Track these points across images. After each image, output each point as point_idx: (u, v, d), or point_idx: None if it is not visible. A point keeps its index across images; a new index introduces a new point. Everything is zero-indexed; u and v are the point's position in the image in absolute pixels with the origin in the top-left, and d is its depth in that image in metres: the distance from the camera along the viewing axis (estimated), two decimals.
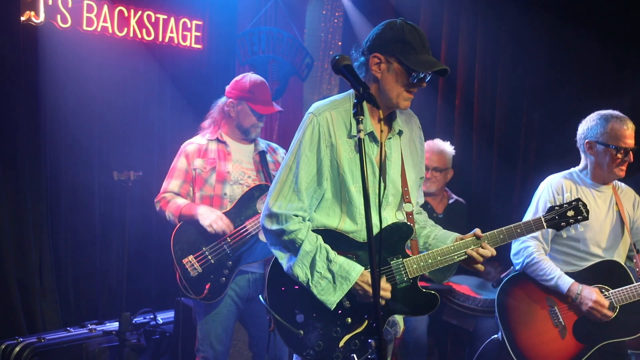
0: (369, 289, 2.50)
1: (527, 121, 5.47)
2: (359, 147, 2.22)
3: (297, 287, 2.60)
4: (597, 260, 3.51)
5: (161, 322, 4.66)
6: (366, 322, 2.59)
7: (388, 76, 2.54)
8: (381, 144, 2.59)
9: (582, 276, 3.47)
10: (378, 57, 2.55)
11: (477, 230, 2.64)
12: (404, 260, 2.60)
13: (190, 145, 3.81)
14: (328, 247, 2.56)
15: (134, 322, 4.43)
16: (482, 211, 5.48)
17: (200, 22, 5.56)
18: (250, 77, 3.81)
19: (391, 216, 2.65)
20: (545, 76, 5.41)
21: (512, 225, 2.68)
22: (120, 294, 4.38)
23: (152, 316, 4.66)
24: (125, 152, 5.23)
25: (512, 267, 3.75)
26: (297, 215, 2.55)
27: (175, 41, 5.42)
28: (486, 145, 5.63)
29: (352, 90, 2.62)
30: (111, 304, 5.16)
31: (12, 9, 4.46)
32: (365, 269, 2.55)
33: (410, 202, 2.68)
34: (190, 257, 3.61)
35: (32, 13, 4.58)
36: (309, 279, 2.53)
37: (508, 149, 5.52)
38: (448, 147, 4.75)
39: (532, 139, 5.41)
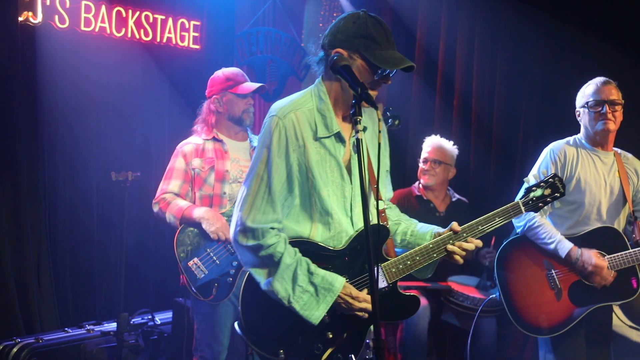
0: (352, 301, 2.40)
1: (525, 121, 5.47)
2: (357, 147, 2.18)
3: (274, 305, 2.41)
4: (597, 225, 3.59)
5: (159, 322, 4.66)
6: (346, 334, 2.48)
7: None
8: (357, 141, 2.35)
9: (580, 241, 3.55)
10: (340, 52, 2.39)
11: (454, 224, 2.54)
12: (381, 265, 2.49)
13: (187, 145, 3.81)
14: (308, 259, 2.41)
15: (131, 322, 4.42)
16: (480, 210, 5.46)
17: (198, 23, 5.56)
18: (223, 70, 3.88)
19: (360, 218, 2.51)
20: (544, 76, 5.40)
21: (489, 214, 2.61)
22: (118, 295, 4.38)
23: (150, 317, 4.66)
24: (123, 152, 5.23)
25: (513, 230, 3.82)
26: (273, 228, 2.40)
27: (173, 41, 5.42)
28: (484, 145, 5.63)
29: (312, 87, 2.51)
30: (109, 304, 5.16)
31: (10, 10, 4.46)
32: (345, 278, 2.44)
33: (381, 199, 2.55)
34: (196, 260, 3.59)
35: (30, 13, 4.57)
36: (289, 295, 2.37)
37: (506, 149, 5.52)
38: (449, 145, 4.79)
39: (530, 138, 5.40)
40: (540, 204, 2.71)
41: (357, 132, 2.18)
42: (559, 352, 3.57)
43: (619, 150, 3.76)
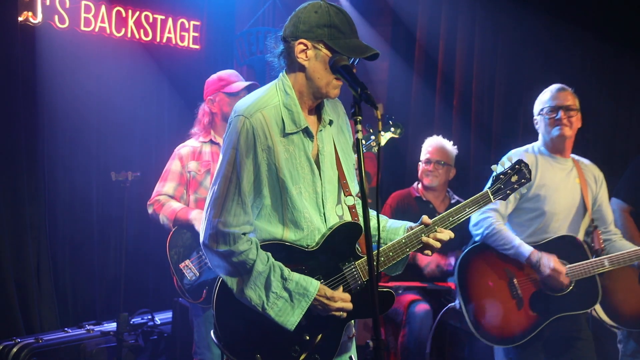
0: (328, 303, 2.35)
1: (525, 121, 5.48)
2: (357, 148, 2.14)
3: (250, 312, 2.35)
4: (557, 234, 3.57)
5: (159, 322, 4.66)
6: (321, 335, 2.43)
7: (316, 64, 2.33)
8: (317, 138, 2.36)
9: (540, 250, 3.51)
10: (304, 43, 2.32)
11: (424, 218, 2.48)
12: (355, 262, 2.43)
13: (184, 148, 3.82)
14: (281, 264, 2.35)
15: (131, 322, 4.43)
16: None
17: (198, 23, 5.56)
18: (217, 72, 3.91)
19: (332, 214, 2.46)
20: (544, 76, 5.40)
21: (459, 205, 2.58)
22: (118, 295, 4.38)
23: (150, 317, 4.66)
24: (123, 152, 5.23)
25: (471, 239, 3.79)
26: (244, 234, 2.33)
27: (173, 41, 5.42)
28: (484, 145, 5.63)
29: (276, 81, 2.46)
30: (109, 304, 5.16)
31: (10, 9, 4.46)
32: (317, 279, 2.39)
33: (350, 194, 2.49)
34: (187, 262, 3.60)
35: (30, 13, 4.57)
36: (263, 302, 2.31)
37: (506, 149, 5.51)
38: (450, 145, 4.79)
39: (530, 139, 5.41)
40: (508, 192, 2.66)
41: (357, 132, 2.14)
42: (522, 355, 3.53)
43: (577, 157, 3.73)
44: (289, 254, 2.38)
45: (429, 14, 5.91)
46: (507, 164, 2.71)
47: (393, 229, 2.55)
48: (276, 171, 2.34)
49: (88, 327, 4.42)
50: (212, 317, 3.58)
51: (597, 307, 3.75)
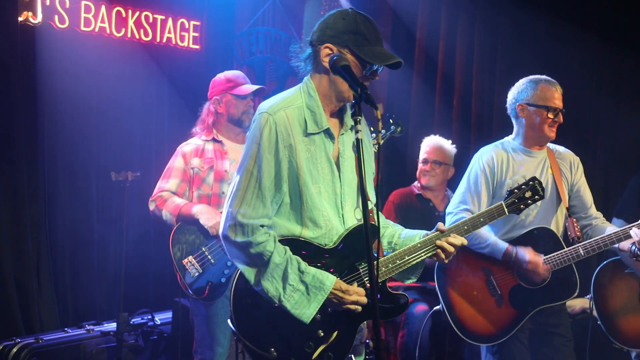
0: (343, 296, 2.40)
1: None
2: (357, 148, 2.19)
3: (265, 303, 2.42)
4: (531, 227, 3.53)
5: (159, 322, 4.66)
6: (336, 332, 2.47)
7: None
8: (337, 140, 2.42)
9: (514, 245, 3.49)
10: (330, 47, 2.40)
11: (440, 225, 2.56)
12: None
13: (187, 145, 3.84)
14: (298, 258, 2.42)
15: (131, 322, 4.43)
16: None
17: (198, 23, 5.56)
18: (224, 72, 3.91)
19: (350, 216, 2.53)
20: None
21: (474, 215, 2.69)
22: (118, 295, 4.38)
23: (149, 317, 4.66)
24: (123, 152, 5.23)
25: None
26: (262, 226, 2.40)
27: (173, 42, 5.42)
28: (484, 145, 5.63)
29: (301, 84, 2.53)
30: (109, 304, 5.16)
31: (10, 10, 4.46)
32: (336, 276, 2.44)
33: (369, 199, 2.53)
34: (190, 258, 3.60)
35: (30, 13, 4.57)
36: (280, 293, 2.37)
37: None
38: (448, 144, 4.79)
39: None
40: (522, 206, 2.76)
41: (357, 132, 2.20)
42: (502, 357, 3.53)
43: (551, 146, 3.67)
44: (306, 250, 2.45)
45: (429, 14, 5.91)
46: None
47: (409, 237, 2.61)
48: (297, 169, 2.41)
49: (88, 327, 4.42)
50: (214, 315, 3.62)
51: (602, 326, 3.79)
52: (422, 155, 4.74)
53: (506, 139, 3.69)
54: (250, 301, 2.45)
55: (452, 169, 4.79)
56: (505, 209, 2.73)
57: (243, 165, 2.43)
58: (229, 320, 2.52)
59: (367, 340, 2.20)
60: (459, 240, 2.53)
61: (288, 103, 2.45)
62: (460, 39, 5.76)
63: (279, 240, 2.43)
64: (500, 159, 3.56)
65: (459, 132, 5.70)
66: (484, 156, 3.63)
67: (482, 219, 2.68)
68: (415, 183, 4.84)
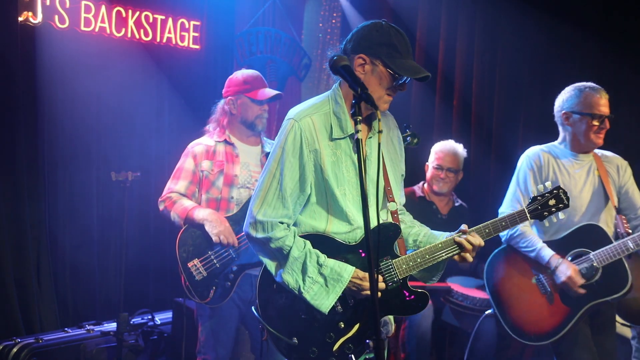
0: (362, 283, 2.51)
1: (525, 121, 5.48)
2: (357, 147, 2.24)
3: (288, 294, 2.58)
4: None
5: (159, 322, 4.66)
6: (358, 324, 2.57)
7: (372, 78, 2.53)
8: (362, 142, 2.48)
9: (563, 243, 3.55)
10: (363, 58, 2.52)
11: (464, 226, 2.63)
12: (393, 260, 2.59)
13: (198, 146, 3.74)
14: (317, 251, 2.54)
15: (131, 322, 4.43)
16: (480, 210, 5.48)
17: (198, 23, 5.56)
18: (242, 71, 3.81)
19: (375, 216, 2.59)
20: (544, 76, 5.41)
21: (496, 219, 2.71)
22: (118, 295, 4.38)
23: (150, 317, 4.66)
24: (123, 152, 5.23)
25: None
26: (282, 222, 2.54)
27: (173, 42, 5.42)
28: (484, 145, 5.64)
29: (330, 92, 2.63)
30: (109, 304, 5.16)
31: (10, 10, 4.46)
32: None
33: (394, 200, 2.66)
34: (196, 261, 3.57)
35: (30, 13, 4.57)
36: (300, 285, 2.51)
37: (506, 149, 5.52)
38: (461, 149, 4.76)
39: (530, 139, 5.41)
40: (545, 213, 2.76)
41: (356, 132, 2.25)
42: (567, 346, 3.55)
43: (598, 151, 3.73)
44: (329, 245, 2.57)
45: (429, 13, 5.91)
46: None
47: (433, 236, 2.71)
48: (322, 172, 2.54)
49: (88, 327, 4.42)
50: (218, 317, 3.62)
51: None
52: (436, 161, 4.68)
53: (552, 143, 3.74)
54: (274, 292, 2.61)
55: (461, 173, 4.78)
56: (528, 215, 2.74)
57: (267, 168, 2.57)
58: (253, 308, 2.69)
59: (367, 340, 2.21)
60: (478, 240, 2.60)
61: (315, 109, 2.57)
62: (460, 39, 5.76)
63: (302, 236, 2.56)
64: (547, 159, 3.63)
65: (459, 132, 5.70)
66: (532, 156, 3.69)
67: (503, 223, 2.70)
68: (420, 184, 4.80)
